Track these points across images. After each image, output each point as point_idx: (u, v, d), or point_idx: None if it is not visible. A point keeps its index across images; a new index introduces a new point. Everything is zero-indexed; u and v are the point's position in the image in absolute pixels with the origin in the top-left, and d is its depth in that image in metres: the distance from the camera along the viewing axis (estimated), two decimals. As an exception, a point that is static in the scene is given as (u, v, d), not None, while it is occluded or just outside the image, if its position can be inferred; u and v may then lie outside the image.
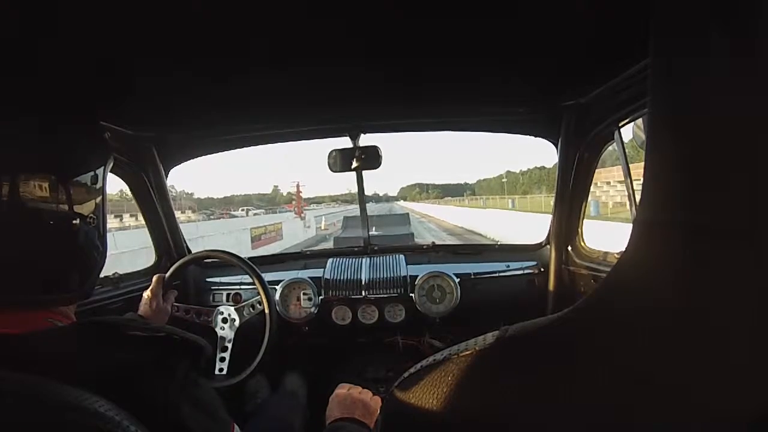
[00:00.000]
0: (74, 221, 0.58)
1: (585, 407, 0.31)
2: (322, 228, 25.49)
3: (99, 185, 0.62)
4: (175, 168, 1.68)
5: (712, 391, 0.28)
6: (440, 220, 32.32)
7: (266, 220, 22.58)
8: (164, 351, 0.57)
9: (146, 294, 1.23)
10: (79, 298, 0.62)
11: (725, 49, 0.25)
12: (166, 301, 1.26)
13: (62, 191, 0.57)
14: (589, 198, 1.59)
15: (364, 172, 1.67)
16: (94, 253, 0.62)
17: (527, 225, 13.57)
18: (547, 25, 0.82)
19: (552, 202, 1.63)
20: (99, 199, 0.62)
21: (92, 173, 0.61)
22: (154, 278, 1.26)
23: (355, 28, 0.81)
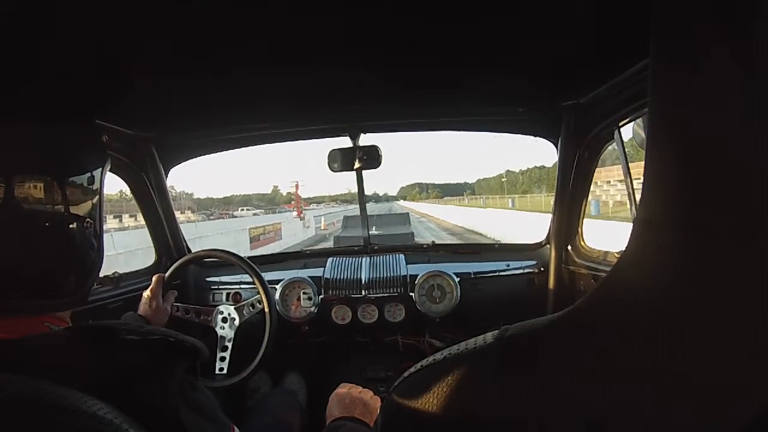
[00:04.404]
0: (70, 224, 0.57)
1: (585, 407, 0.31)
2: (322, 228, 25.46)
3: (96, 187, 0.62)
4: (174, 168, 1.68)
5: (713, 391, 0.28)
6: (440, 220, 32.31)
7: (265, 221, 22.52)
8: (161, 354, 0.56)
9: (146, 294, 1.23)
10: (75, 305, 0.62)
11: (725, 49, 0.25)
12: (165, 301, 1.26)
13: (59, 193, 0.56)
14: (590, 197, 1.60)
15: (364, 172, 1.67)
16: (90, 256, 0.61)
17: (527, 224, 13.58)
18: (547, 25, 0.82)
19: (552, 202, 1.63)
20: (96, 200, 0.62)
21: (89, 175, 0.61)
22: (154, 278, 1.26)
23: (355, 29, 0.81)
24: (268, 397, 1.44)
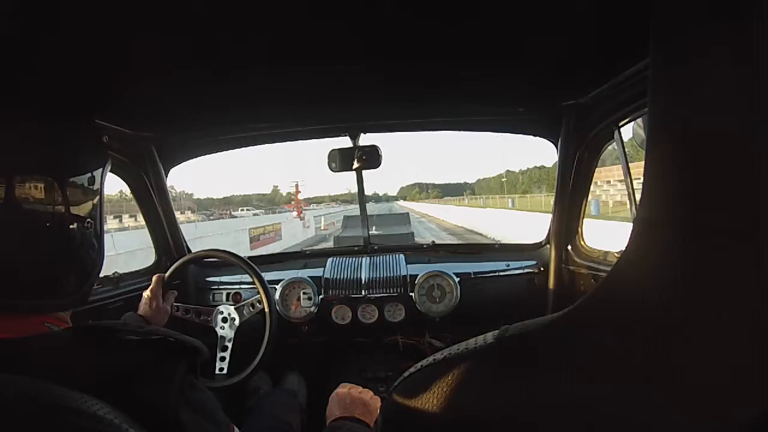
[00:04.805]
0: (71, 224, 0.57)
1: (585, 407, 0.31)
2: (322, 228, 25.42)
3: (96, 187, 0.62)
4: (174, 168, 1.68)
5: (713, 391, 0.28)
6: (440, 220, 32.30)
7: (265, 221, 22.49)
8: (161, 354, 0.56)
9: (146, 294, 1.23)
10: (75, 305, 0.62)
11: (725, 50, 0.25)
12: (165, 301, 1.26)
13: (59, 193, 0.56)
14: (590, 197, 1.60)
15: (364, 172, 1.67)
16: (90, 256, 0.61)
17: (527, 224, 13.58)
18: (547, 25, 0.82)
19: (552, 202, 1.63)
20: (96, 200, 0.62)
21: (90, 175, 0.61)
22: (154, 278, 1.26)
23: (355, 28, 0.81)
24: (268, 397, 1.44)
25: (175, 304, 1.35)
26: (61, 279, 0.58)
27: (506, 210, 29.35)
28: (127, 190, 1.59)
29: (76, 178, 0.59)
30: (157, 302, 1.23)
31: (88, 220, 0.60)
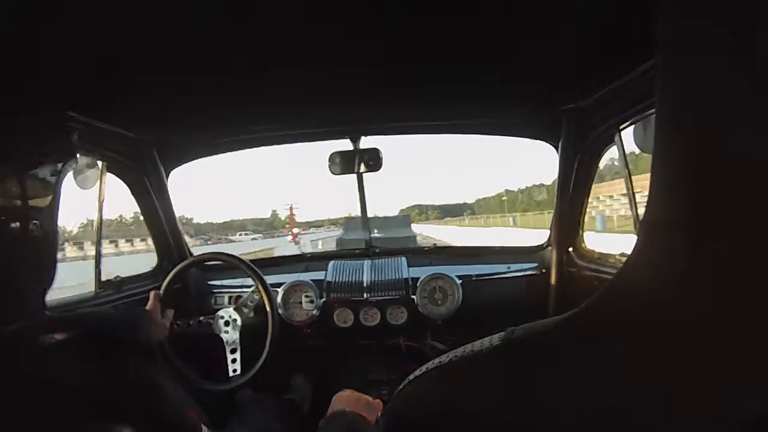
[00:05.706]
0: (12, 223, 0.51)
1: (589, 408, 0.31)
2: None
3: (51, 191, 0.56)
4: (175, 183, 1.67)
5: (714, 392, 0.28)
6: (441, 241, 32.10)
7: (264, 245, 22.17)
8: (110, 355, 0.55)
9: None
10: (25, 317, 0.54)
11: (726, 49, 0.25)
12: (164, 317, 1.23)
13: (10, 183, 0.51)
14: (594, 213, 1.59)
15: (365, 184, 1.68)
16: (35, 262, 0.55)
17: (527, 241, 13.46)
18: (547, 27, 0.83)
19: (550, 218, 1.63)
20: (50, 199, 0.56)
21: (48, 171, 0.55)
22: (151, 295, 1.22)
23: (355, 29, 0.82)
24: (257, 404, 1.42)
25: (176, 322, 1.35)
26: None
27: (507, 228, 29.22)
28: (126, 214, 1.58)
29: (29, 173, 0.54)
30: (156, 318, 1.22)
31: (34, 221, 0.53)
